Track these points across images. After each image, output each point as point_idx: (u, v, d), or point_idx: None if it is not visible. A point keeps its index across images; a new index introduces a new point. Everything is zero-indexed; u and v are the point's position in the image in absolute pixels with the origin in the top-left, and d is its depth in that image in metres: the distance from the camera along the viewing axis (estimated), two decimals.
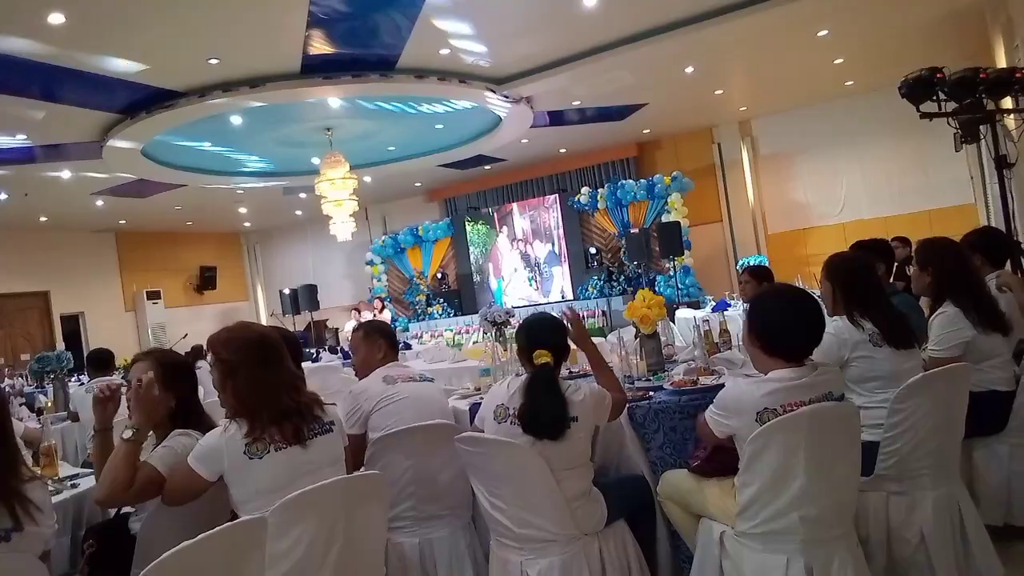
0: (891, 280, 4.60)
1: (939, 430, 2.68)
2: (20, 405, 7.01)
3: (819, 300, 2.55)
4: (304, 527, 2.05)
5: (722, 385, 2.92)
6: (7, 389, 8.87)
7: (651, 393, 3.05)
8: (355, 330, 3.53)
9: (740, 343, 3.77)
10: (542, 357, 2.65)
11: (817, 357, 2.45)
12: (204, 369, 11.03)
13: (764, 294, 2.54)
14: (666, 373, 3.36)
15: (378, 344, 3.37)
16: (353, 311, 13.72)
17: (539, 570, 2.53)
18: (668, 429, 2.92)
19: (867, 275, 2.99)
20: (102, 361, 6.05)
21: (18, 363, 13.40)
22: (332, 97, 8.76)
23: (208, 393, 6.99)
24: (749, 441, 2.25)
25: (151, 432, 2.46)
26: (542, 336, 2.73)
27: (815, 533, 2.27)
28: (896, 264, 6.10)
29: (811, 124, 12.11)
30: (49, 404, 6.18)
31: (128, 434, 2.23)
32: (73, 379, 8.64)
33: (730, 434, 2.36)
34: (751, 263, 9.91)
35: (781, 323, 2.36)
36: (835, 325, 2.88)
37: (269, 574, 1.94)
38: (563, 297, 13.41)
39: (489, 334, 6.34)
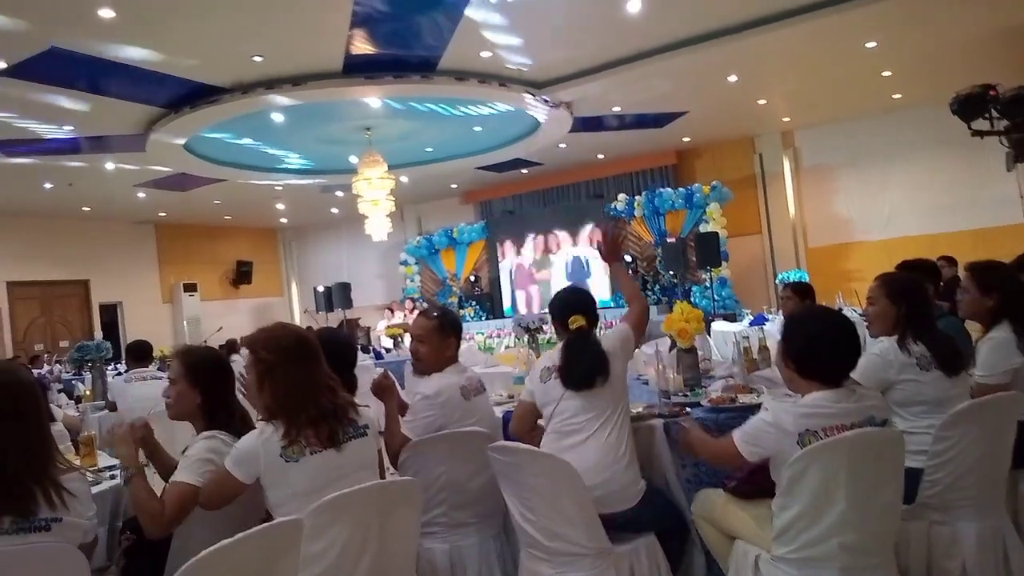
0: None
1: (985, 460, 2.60)
2: (58, 392, 7.15)
3: (856, 322, 2.48)
4: (339, 530, 2.06)
5: (760, 405, 2.88)
6: (46, 376, 9.05)
7: (688, 409, 2.99)
8: (427, 316, 3.21)
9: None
10: (577, 322, 2.92)
11: (860, 378, 2.38)
12: (238, 363, 11.17)
13: (797, 316, 2.49)
14: (703, 389, 3.31)
15: (449, 342, 3.15)
16: (386, 311, 13.79)
17: None
18: None
19: (926, 298, 2.92)
20: (142, 352, 6.15)
21: (57, 350, 13.70)
22: (373, 97, 8.82)
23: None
24: (789, 464, 2.20)
25: (190, 423, 2.52)
26: (575, 304, 3.01)
27: (854, 561, 2.21)
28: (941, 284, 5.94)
29: (856, 137, 11.90)
30: (88, 393, 6.29)
31: (126, 474, 2.26)
32: (110, 368, 8.79)
33: (763, 457, 2.30)
34: (791, 278, 9.78)
35: (815, 346, 2.31)
36: (881, 347, 2.81)
37: (302, 574, 1.95)
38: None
39: (522, 339, 6.31)
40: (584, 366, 2.80)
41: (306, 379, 2.29)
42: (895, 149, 11.63)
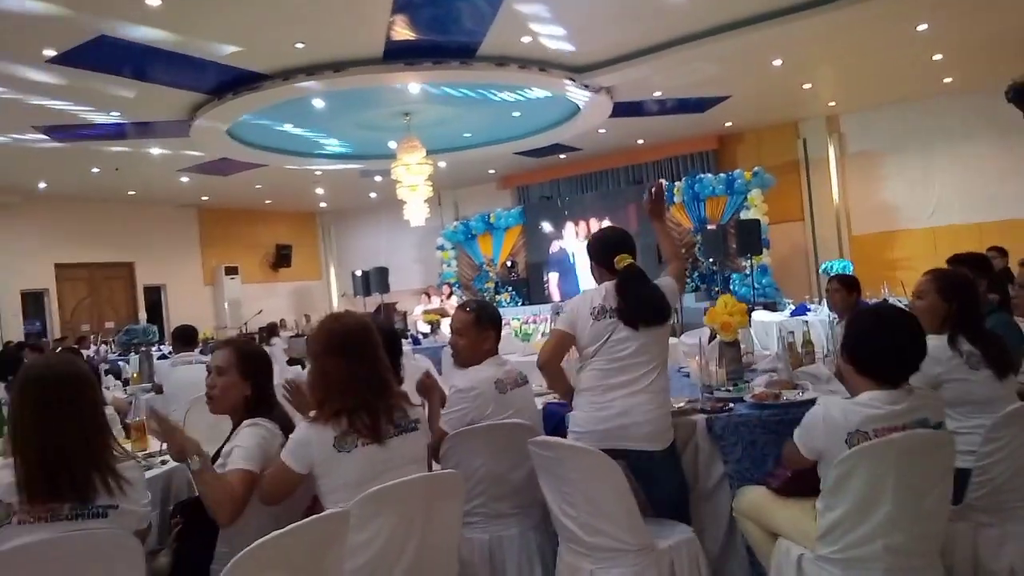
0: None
1: None
2: (105, 374, 7.33)
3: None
4: (384, 520, 2.11)
5: (807, 401, 2.84)
6: (94, 357, 9.29)
7: (731, 404, 2.96)
8: (465, 310, 3.22)
9: (824, 355, 3.64)
10: (624, 260, 2.89)
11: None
12: (278, 346, 11.33)
13: (863, 315, 2.44)
14: (746, 384, 3.27)
15: (487, 335, 3.13)
16: (423, 295, 13.87)
17: None
18: (748, 443, 2.84)
19: (977, 296, 2.86)
20: (188, 337, 6.28)
21: (103, 331, 14.05)
22: (412, 83, 8.83)
23: (283, 371, 7.16)
24: (836, 464, 2.17)
25: (228, 416, 2.53)
26: (619, 242, 2.97)
27: (899, 562, 2.19)
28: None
29: (904, 122, 11.60)
30: (135, 375, 6.44)
31: (195, 464, 2.21)
32: (155, 350, 9.00)
33: (819, 454, 2.27)
34: (835, 268, 9.60)
35: (877, 346, 2.27)
36: (930, 344, 2.74)
37: (348, 564, 2.01)
38: None
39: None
40: (649, 304, 2.83)
41: (360, 372, 2.32)
42: (944, 135, 11.31)
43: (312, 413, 2.33)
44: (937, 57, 9.21)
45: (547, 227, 14.61)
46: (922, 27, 7.99)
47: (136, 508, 2.02)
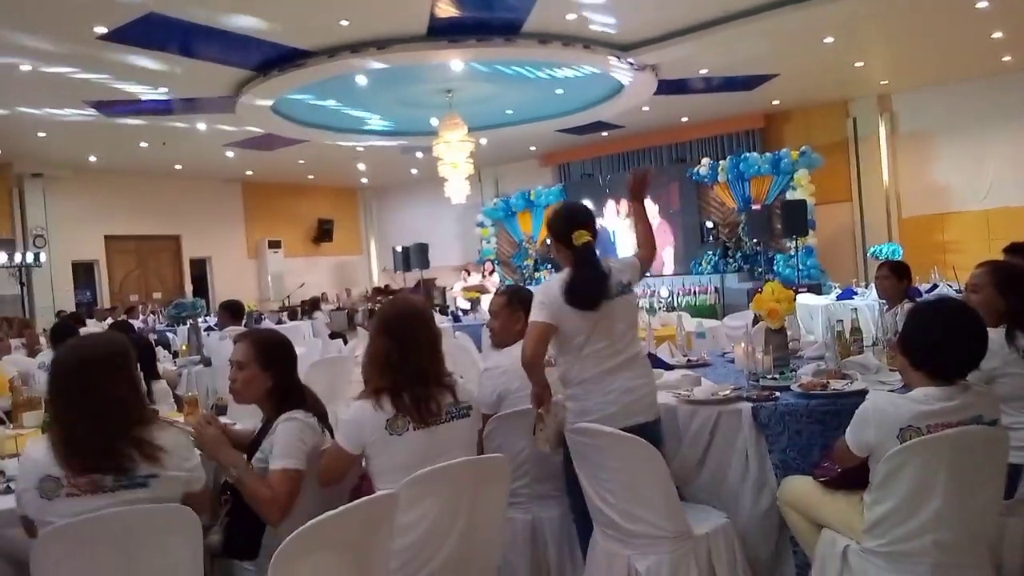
0: None
1: None
2: (156, 346, 7.52)
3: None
4: (431, 502, 2.15)
5: (855, 392, 2.80)
6: (142, 327, 9.52)
7: (777, 393, 2.93)
8: (499, 293, 3.42)
9: (873, 344, 3.58)
10: (583, 236, 2.79)
11: None
12: (320, 319, 11.47)
13: (922, 308, 2.39)
14: (793, 372, 3.22)
15: (518, 316, 3.14)
16: (463, 272, 13.93)
17: (647, 566, 2.51)
18: (794, 433, 2.80)
19: None
20: (235, 311, 6.40)
21: (151, 301, 14.41)
22: (455, 60, 8.80)
23: (325, 345, 7.22)
24: (886, 458, 2.14)
25: (257, 406, 2.55)
26: (579, 217, 2.87)
27: (948, 558, 2.16)
28: None
29: (959, 101, 11.25)
30: (184, 348, 6.60)
31: (234, 473, 2.30)
32: (201, 321, 9.19)
33: (870, 449, 2.24)
34: (884, 252, 9.39)
35: (934, 342, 2.22)
36: None
37: (396, 544, 2.06)
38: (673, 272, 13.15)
39: None
40: (605, 279, 2.77)
41: (417, 354, 2.36)
42: (1000, 115, 10.95)
43: (365, 395, 2.37)
44: (997, 35, 8.89)
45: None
46: (982, 4, 7.72)
47: (178, 473, 2.05)
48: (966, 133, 11.35)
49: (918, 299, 4.14)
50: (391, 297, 2.57)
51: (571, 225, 2.82)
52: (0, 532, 2.19)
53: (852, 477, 2.40)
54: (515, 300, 3.21)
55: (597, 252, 2.85)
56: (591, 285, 2.73)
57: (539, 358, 2.74)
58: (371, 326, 2.46)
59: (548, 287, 2.82)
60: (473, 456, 2.41)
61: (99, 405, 1.99)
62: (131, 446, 1.98)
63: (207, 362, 5.90)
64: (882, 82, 11.40)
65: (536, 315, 2.74)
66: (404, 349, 2.35)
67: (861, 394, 2.68)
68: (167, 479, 2.02)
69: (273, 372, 2.46)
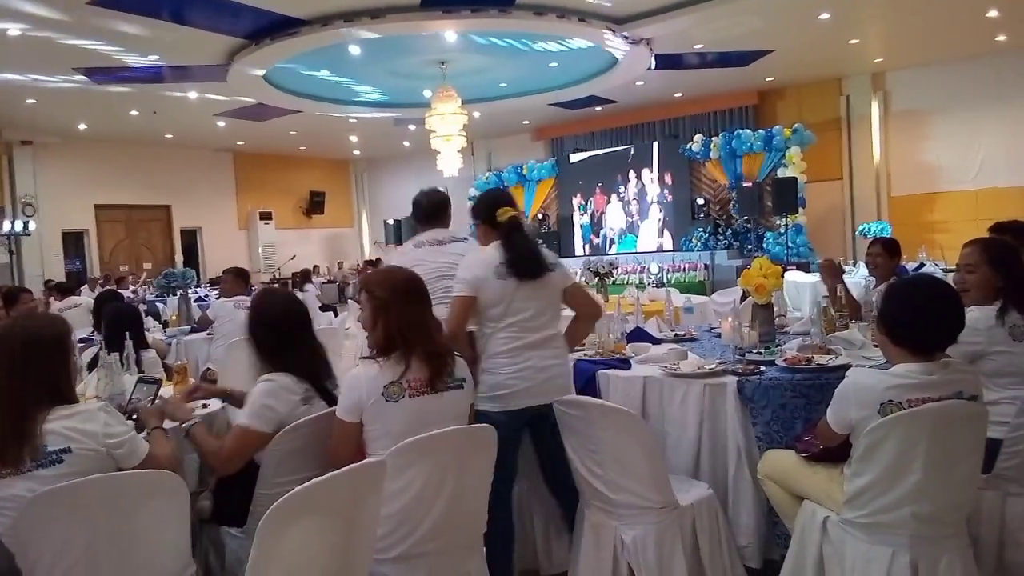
0: None
1: None
2: (145, 315, 7.50)
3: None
4: (419, 470, 2.18)
5: (839, 367, 2.83)
6: (130, 297, 9.49)
7: (762, 368, 2.97)
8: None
9: (860, 322, 3.62)
10: (507, 212, 2.90)
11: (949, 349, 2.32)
12: (311, 292, 11.46)
13: (899, 285, 2.42)
14: (778, 347, 3.26)
15: None
16: None
17: (634, 536, 2.55)
18: (778, 406, 2.84)
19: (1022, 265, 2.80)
20: (246, 279, 6.31)
21: (141, 272, 14.34)
22: (449, 31, 8.73)
23: (316, 318, 7.20)
24: (868, 431, 2.18)
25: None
26: (501, 197, 3.04)
27: (926, 530, 2.20)
28: None
29: (952, 80, 11.24)
30: (174, 317, 6.59)
31: (183, 427, 2.50)
32: (192, 292, 9.17)
33: (851, 426, 2.28)
34: (873, 230, 9.43)
35: (912, 318, 2.25)
36: (971, 315, 2.70)
37: (385, 509, 2.09)
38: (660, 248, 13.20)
39: (591, 283, 6.31)
40: (533, 253, 2.85)
41: (417, 317, 2.39)
42: (993, 94, 10.94)
43: (363, 359, 2.40)
44: (992, 14, 8.87)
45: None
46: None
47: (96, 447, 2.06)
48: (959, 113, 11.35)
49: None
50: (379, 269, 2.59)
51: (494, 205, 2.93)
52: None
53: (833, 451, 2.45)
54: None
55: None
56: (528, 252, 2.84)
57: (461, 329, 2.83)
58: (369, 295, 2.42)
59: (470, 262, 2.88)
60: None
61: (32, 386, 2.03)
62: (42, 426, 2.01)
63: (203, 326, 5.84)
64: (876, 60, 11.37)
65: (457, 290, 2.83)
66: (402, 319, 2.37)
67: (845, 369, 2.72)
68: (80, 455, 2.02)
69: (255, 341, 2.57)
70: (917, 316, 2.25)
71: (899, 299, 2.33)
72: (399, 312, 2.36)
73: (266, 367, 2.52)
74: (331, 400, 2.51)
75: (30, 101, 10.88)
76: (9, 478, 1.96)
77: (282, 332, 2.56)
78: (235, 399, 2.88)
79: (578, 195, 14.59)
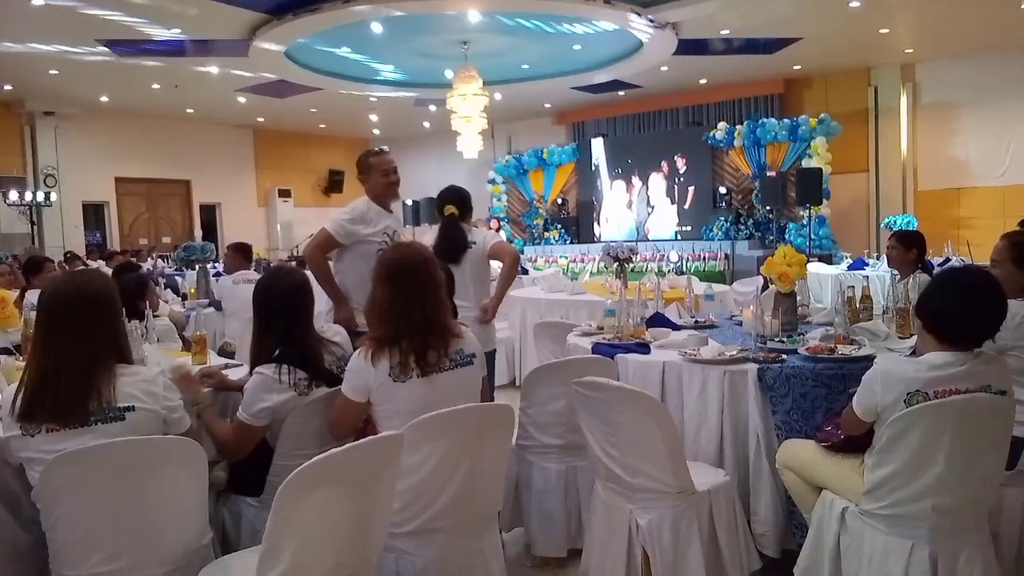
0: None
1: None
2: (164, 288, 7.55)
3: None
4: (435, 446, 2.17)
5: (864, 358, 2.79)
6: (149, 269, 9.56)
7: (784, 356, 2.92)
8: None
9: (883, 312, 3.56)
10: (449, 209, 3.95)
11: None
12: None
13: (945, 274, 2.38)
14: (800, 336, 3.21)
15: None
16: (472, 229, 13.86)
17: (649, 520, 2.53)
18: (798, 395, 2.80)
19: None
20: (246, 253, 6.34)
21: (160, 245, 14.42)
22: (472, 10, 8.65)
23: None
24: (891, 421, 2.15)
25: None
26: (448, 197, 4.02)
27: (947, 523, 2.17)
28: None
29: (984, 74, 11.05)
30: (192, 290, 6.61)
31: (196, 409, 2.44)
32: (210, 266, 9.22)
33: (876, 414, 2.24)
34: (899, 223, 9.30)
35: (948, 307, 2.21)
36: None
37: (400, 483, 2.09)
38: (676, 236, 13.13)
39: (610, 268, 6.26)
40: (459, 243, 3.85)
41: (408, 302, 2.35)
42: None
43: (370, 340, 2.37)
44: None
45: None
46: None
47: (156, 408, 2.09)
48: (989, 107, 11.17)
49: (933, 271, 4.12)
50: (394, 244, 2.61)
51: (441, 203, 4.00)
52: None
53: (855, 441, 2.41)
54: None
55: (461, 223, 3.95)
56: (454, 242, 3.86)
57: None
58: (374, 274, 2.44)
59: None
60: (477, 402, 2.43)
61: (66, 349, 2.01)
62: (112, 381, 2.02)
63: (217, 306, 5.90)
64: (906, 51, 11.18)
65: None
66: (407, 298, 2.35)
67: (868, 359, 2.68)
68: (145, 413, 2.05)
69: (256, 324, 2.55)
70: (955, 305, 2.21)
71: (941, 286, 2.31)
72: (385, 294, 2.36)
73: (263, 349, 2.49)
74: (336, 382, 2.48)
75: (53, 72, 10.92)
76: (76, 429, 1.97)
77: (285, 318, 2.50)
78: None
79: (600, 181, 14.50)
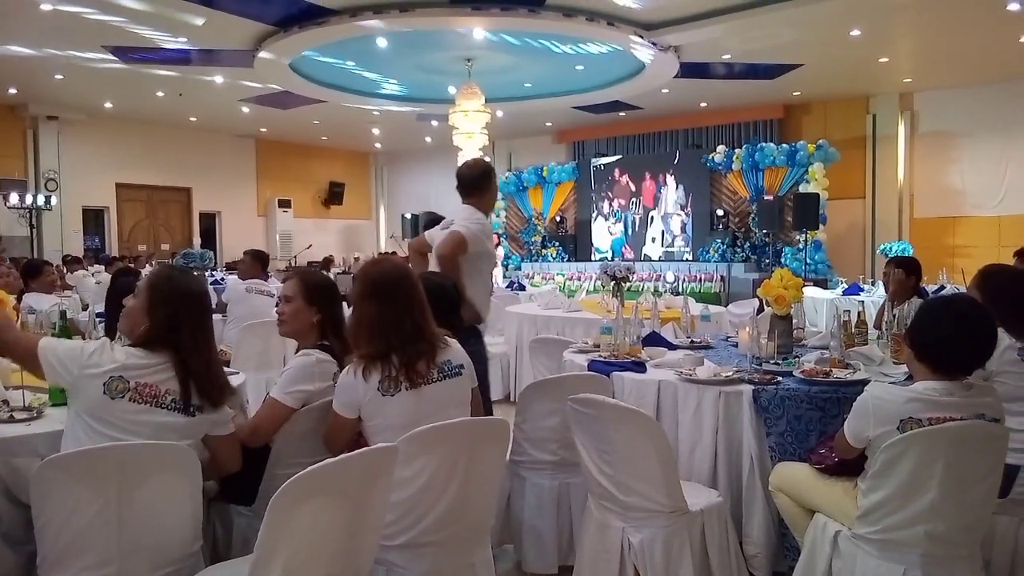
0: None
1: None
2: None
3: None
4: (429, 459, 2.16)
5: (859, 382, 2.80)
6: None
7: (779, 378, 2.94)
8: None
9: (877, 338, 3.58)
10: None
11: None
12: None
13: (935, 303, 2.39)
14: (796, 359, 3.23)
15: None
16: None
17: (641, 539, 2.53)
18: (793, 418, 2.81)
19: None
20: (264, 262, 6.31)
21: (159, 252, 14.41)
22: (477, 28, 8.73)
23: None
24: (885, 447, 2.15)
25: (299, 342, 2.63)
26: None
27: (939, 549, 2.17)
28: None
29: (981, 104, 11.15)
30: None
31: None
32: (208, 274, 9.21)
33: (868, 440, 2.25)
34: (895, 249, 9.35)
35: (940, 336, 2.22)
36: None
37: (394, 496, 2.08)
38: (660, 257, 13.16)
39: (607, 286, 6.28)
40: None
41: (392, 317, 2.35)
42: (1022, 120, 10.82)
43: (356, 358, 2.37)
44: None
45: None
46: (1013, 6, 7.63)
47: (219, 415, 2.24)
48: (986, 137, 11.25)
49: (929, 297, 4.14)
50: (370, 260, 2.63)
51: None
52: (4, 460, 2.21)
53: (848, 465, 2.42)
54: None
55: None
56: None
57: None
58: (355, 291, 2.42)
59: None
60: (467, 414, 2.43)
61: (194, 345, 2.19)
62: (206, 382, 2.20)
63: (221, 309, 5.85)
64: (905, 80, 11.29)
65: None
66: (397, 309, 2.35)
67: (863, 383, 2.68)
68: (211, 415, 2.23)
69: (317, 307, 2.57)
70: (947, 334, 2.22)
71: (932, 315, 2.31)
72: (369, 310, 2.36)
73: (317, 339, 2.55)
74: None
75: (58, 76, 10.96)
76: (146, 405, 2.08)
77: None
78: None
79: (599, 200, 14.55)
